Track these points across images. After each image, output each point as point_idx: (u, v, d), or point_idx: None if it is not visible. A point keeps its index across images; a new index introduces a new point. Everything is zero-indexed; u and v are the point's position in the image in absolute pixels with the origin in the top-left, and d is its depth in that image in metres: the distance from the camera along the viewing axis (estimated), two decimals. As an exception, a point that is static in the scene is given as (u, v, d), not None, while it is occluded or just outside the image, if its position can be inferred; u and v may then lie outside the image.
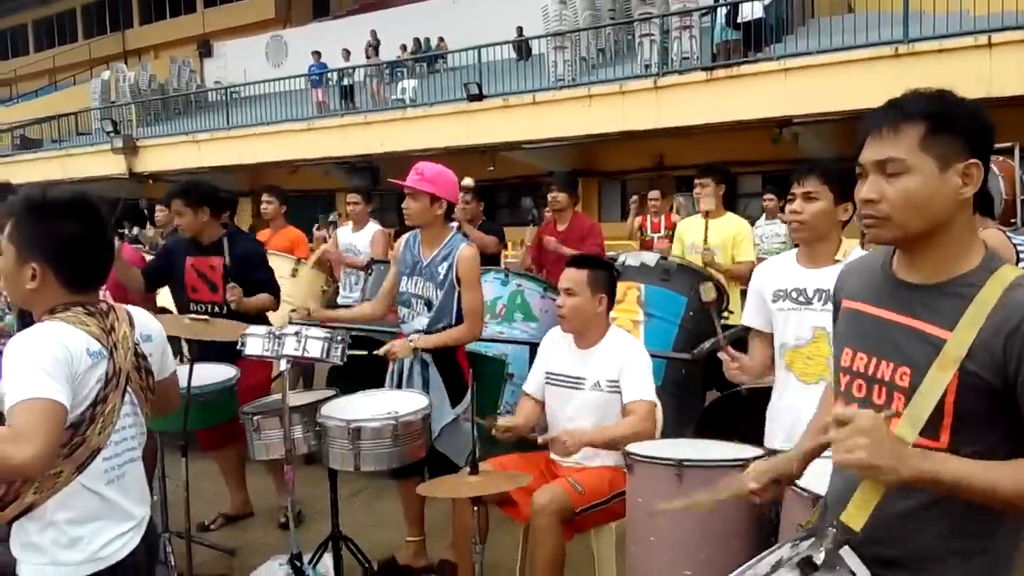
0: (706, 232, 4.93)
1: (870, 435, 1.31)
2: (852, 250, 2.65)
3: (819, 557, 1.47)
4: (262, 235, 6.12)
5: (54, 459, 1.63)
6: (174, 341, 3.48)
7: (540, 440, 2.94)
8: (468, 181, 5.92)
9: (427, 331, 3.48)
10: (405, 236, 3.68)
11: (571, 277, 3.10)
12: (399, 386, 3.51)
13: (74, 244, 1.81)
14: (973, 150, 1.43)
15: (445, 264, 3.45)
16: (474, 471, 2.58)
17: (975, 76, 9.63)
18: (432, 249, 3.51)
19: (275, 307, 4.06)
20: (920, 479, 1.34)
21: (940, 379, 1.40)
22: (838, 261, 2.63)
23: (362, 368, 3.97)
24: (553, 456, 3.16)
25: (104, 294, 4.09)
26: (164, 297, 4.73)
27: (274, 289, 4.08)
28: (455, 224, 4.33)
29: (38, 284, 1.78)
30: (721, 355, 2.70)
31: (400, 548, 3.71)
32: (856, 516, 1.41)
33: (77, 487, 1.73)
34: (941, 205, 1.44)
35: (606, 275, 3.17)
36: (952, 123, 1.43)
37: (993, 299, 1.39)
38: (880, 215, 1.47)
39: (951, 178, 1.43)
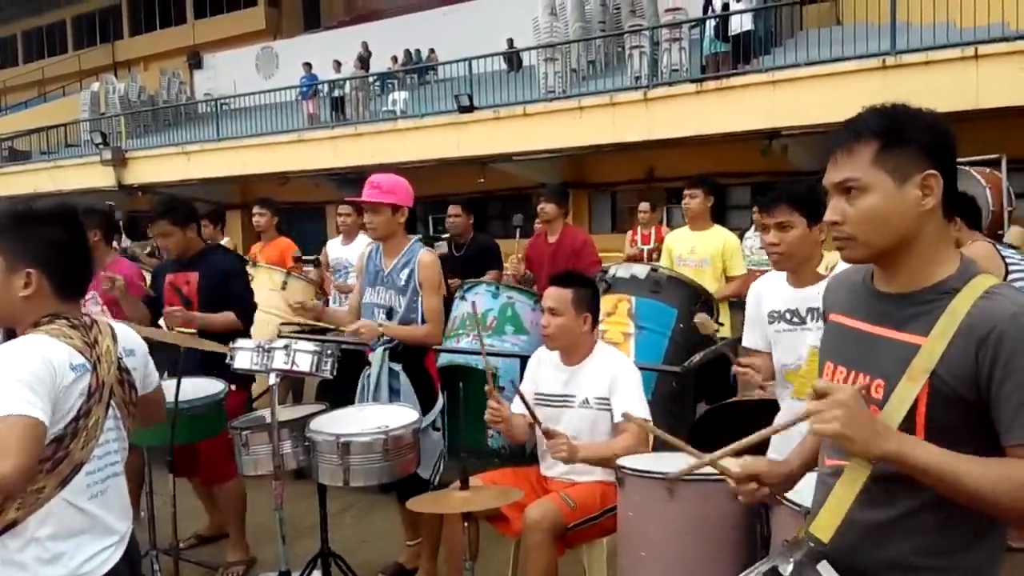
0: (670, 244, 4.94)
1: (846, 407, 1.33)
2: (836, 262, 2.65)
3: (786, 568, 1.46)
4: (254, 247, 6.13)
5: (32, 475, 1.63)
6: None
7: (541, 429, 2.87)
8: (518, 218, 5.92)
9: (389, 351, 3.51)
10: (367, 249, 3.73)
11: (555, 296, 3.05)
12: (368, 396, 3.52)
13: (65, 250, 1.85)
14: (931, 161, 1.44)
15: (406, 271, 3.50)
16: (464, 486, 2.57)
17: (962, 87, 9.71)
18: (393, 258, 3.55)
19: (241, 325, 3.84)
20: (890, 457, 1.35)
21: (910, 390, 1.41)
22: (823, 276, 2.63)
23: (352, 382, 3.95)
24: (544, 472, 3.15)
25: (103, 310, 4.09)
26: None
27: (245, 304, 3.94)
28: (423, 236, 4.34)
29: (32, 291, 1.79)
30: (735, 369, 2.70)
31: (397, 559, 3.73)
32: (824, 527, 1.42)
33: (59, 502, 1.72)
34: (903, 219, 1.45)
35: (590, 293, 3.14)
36: (904, 136, 1.44)
37: (966, 308, 1.40)
38: (844, 236, 1.49)
39: (910, 191, 1.44)
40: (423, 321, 3.51)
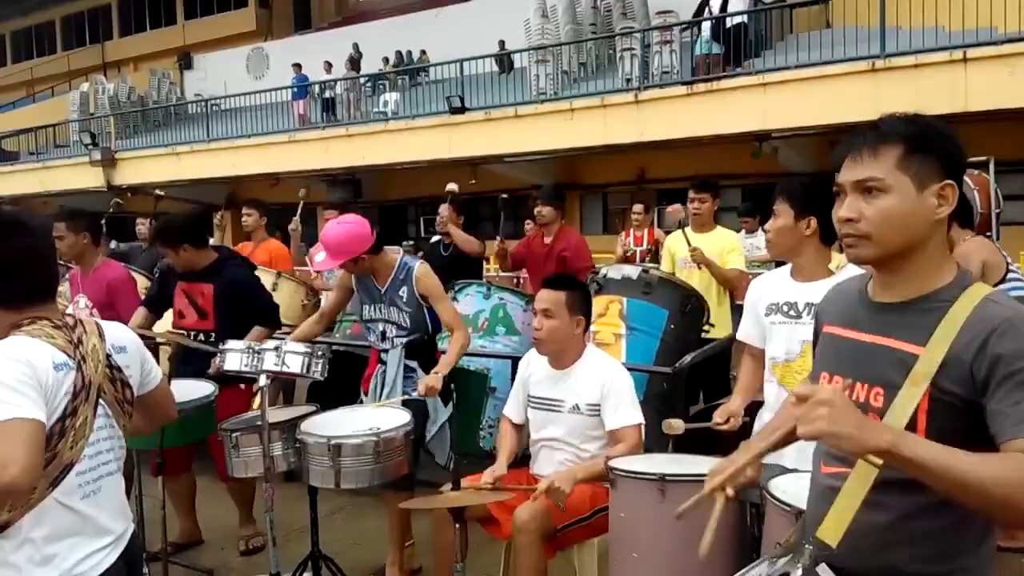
0: (687, 238, 4.98)
1: (830, 405, 1.31)
2: (845, 264, 2.65)
3: (796, 574, 1.47)
4: (243, 248, 6.10)
5: (39, 476, 1.61)
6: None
7: (533, 497, 2.81)
8: (452, 186, 5.84)
9: (405, 348, 3.60)
10: None
11: (549, 299, 3.04)
12: (381, 394, 3.58)
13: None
14: (948, 171, 1.47)
15: (405, 288, 3.58)
16: (455, 487, 2.57)
17: (950, 91, 9.76)
18: (386, 277, 3.61)
19: (273, 331, 3.97)
20: (883, 450, 1.32)
21: (913, 395, 1.42)
22: (832, 273, 2.65)
23: (343, 384, 3.94)
24: (534, 471, 3.14)
25: (91, 312, 4.07)
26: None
27: (269, 314, 4.02)
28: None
29: None
30: (714, 424, 2.77)
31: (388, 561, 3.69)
32: (832, 532, 1.42)
33: (51, 503, 1.70)
34: (918, 224, 1.47)
35: (583, 296, 3.14)
36: (928, 144, 1.47)
37: (964, 314, 1.42)
38: (859, 234, 1.50)
39: (927, 198, 1.47)
40: (434, 327, 3.65)
